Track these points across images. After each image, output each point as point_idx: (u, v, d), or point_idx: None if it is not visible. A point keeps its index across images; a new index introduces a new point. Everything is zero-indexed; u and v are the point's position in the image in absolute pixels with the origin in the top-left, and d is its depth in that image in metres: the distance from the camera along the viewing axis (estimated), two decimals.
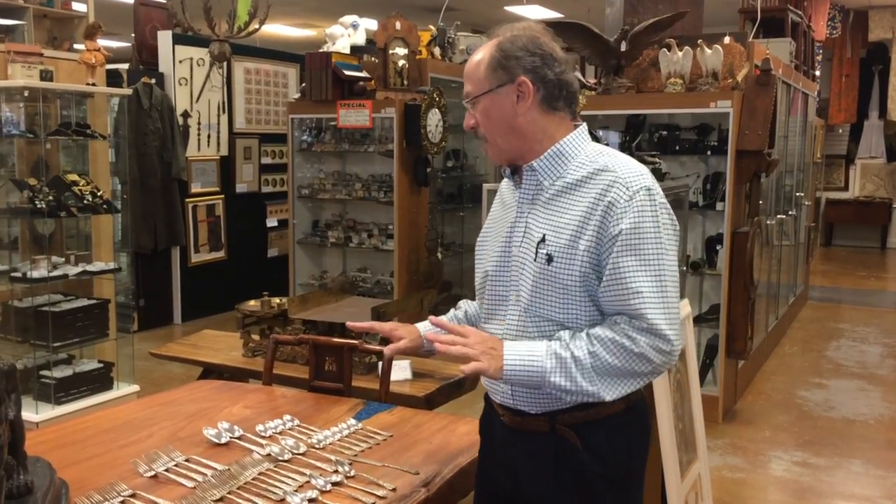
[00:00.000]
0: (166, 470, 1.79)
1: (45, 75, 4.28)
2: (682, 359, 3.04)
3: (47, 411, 4.33)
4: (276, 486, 1.70)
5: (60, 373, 4.47)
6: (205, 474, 1.76)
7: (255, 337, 3.69)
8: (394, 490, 1.71)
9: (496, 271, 1.63)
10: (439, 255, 5.71)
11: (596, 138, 3.24)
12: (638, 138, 4.70)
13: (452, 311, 1.90)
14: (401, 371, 3.13)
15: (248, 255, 7.18)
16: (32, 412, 4.30)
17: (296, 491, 1.68)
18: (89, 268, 4.60)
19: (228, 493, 1.67)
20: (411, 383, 3.26)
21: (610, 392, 1.49)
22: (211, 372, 3.81)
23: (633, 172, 1.51)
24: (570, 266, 1.50)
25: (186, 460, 1.84)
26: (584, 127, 1.61)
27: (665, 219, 1.49)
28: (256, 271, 7.08)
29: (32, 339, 4.36)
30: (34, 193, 4.26)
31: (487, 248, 1.70)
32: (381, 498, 1.67)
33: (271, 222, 7.43)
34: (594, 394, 1.49)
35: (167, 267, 6.67)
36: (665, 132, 4.87)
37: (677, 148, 4.83)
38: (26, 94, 4.19)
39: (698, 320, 4.59)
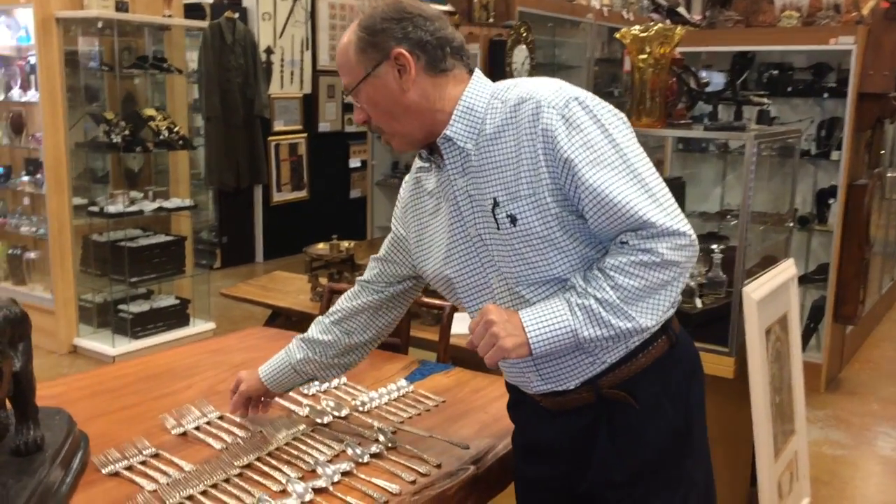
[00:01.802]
0: (196, 428, 1.65)
1: (121, 6, 4.19)
2: (782, 325, 2.72)
3: (124, 345, 4.37)
4: (308, 454, 1.53)
5: (138, 308, 4.49)
6: (236, 435, 1.62)
7: (323, 281, 3.56)
8: (438, 466, 1.52)
9: (461, 265, 1.41)
10: None
11: (697, 79, 2.90)
12: (744, 77, 4.26)
13: (284, 354, 1.71)
14: (465, 324, 2.93)
15: (331, 196, 7.10)
16: (109, 346, 4.35)
17: (329, 461, 1.51)
18: (166, 204, 4.57)
19: (257, 459, 1.51)
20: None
21: (649, 317, 1.27)
22: (279, 315, 3.73)
23: (551, 90, 1.30)
24: (539, 216, 1.29)
25: (220, 418, 1.70)
26: (478, 71, 1.39)
27: (607, 117, 1.28)
28: (338, 212, 7.00)
29: (111, 273, 4.38)
30: (110, 127, 4.22)
31: (434, 250, 1.47)
32: (422, 475, 1.49)
33: (354, 163, 7.30)
34: (633, 329, 1.27)
35: (249, 205, 6.66)
36: (776, 72, 4.40)
37: (789, 90, 4.37)
38: (100, 24, 4.12)
39: (804, 280, 4.19)
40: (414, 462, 1.53)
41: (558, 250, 1.30)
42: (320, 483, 1.42)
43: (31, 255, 4.68)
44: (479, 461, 1.57)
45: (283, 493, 1.40)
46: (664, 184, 1.28)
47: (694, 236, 1.26)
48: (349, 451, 1.53)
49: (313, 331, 1.67)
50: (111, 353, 4.30)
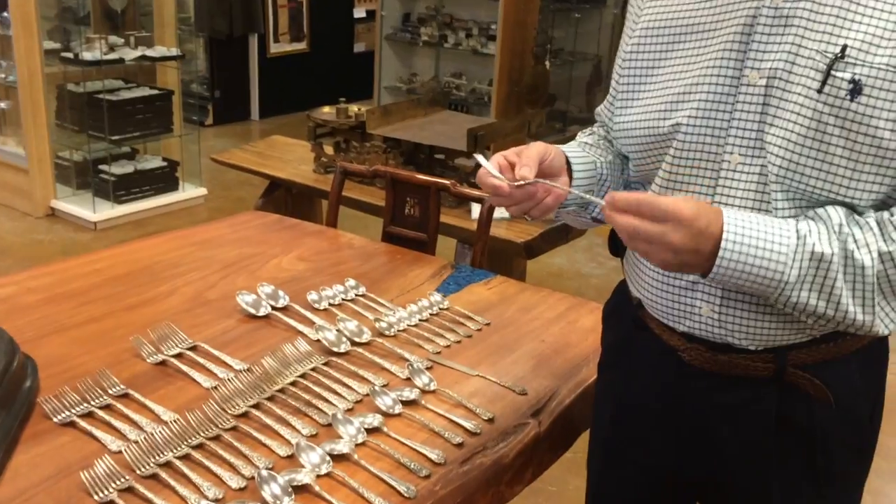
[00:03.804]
0: (178, 355, 1.29)
1: None
2: None
3: (105, 210, 3.99)
4: (323, 401, 1.18)
5: (120, 169, 4.08)
6: (230, 368, 1.26)
7: (328, 150, 3.15)
8: (490, 420, 1.18)
9: (703, 116, 0.95)
10: (547, 63, 4.93)
11: None
12: None
13: (578, 143, 1.18)
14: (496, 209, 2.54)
15: (333, 49, 6.51)
16: (90, 211, 3.97)
17: (349, 412, 1.16)
18: (149, 52, 4.06)
19: (255, 406, 1.16)
20: (508, 224, 2.69)
21: (890, 322, 0.89)
22: (279, 186, 3.33)
23: None
24: None
25: (205, 342, 1.34)
26: None
27: None
28: (341, 67, 6.44)
29: (89, 129, 3.94)
30: None
31: (660, 80, 1.00)
32: (471, 434, 1.15)
33: (359, 13, 6.66)
34: (859, 324, 0.88)
35: (244, 56, 6.09)
36: None
37: None
38: None
39: None
40: (458, 413, 1.19)
41: (883, 168, 0.85)
42: (340, 447, 1.07)
43: (2, 104, 4.21)
44: (540, 412, 1.23)
45: (291, 458, 1.06)
46: None
47: None
48: (377, 401, 1.18)
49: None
50: (92, 219, 3.92)
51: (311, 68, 6.35)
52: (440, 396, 1.23)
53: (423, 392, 1.23)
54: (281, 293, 1.49)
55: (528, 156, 1.00)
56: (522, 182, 0.98)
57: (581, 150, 1.14)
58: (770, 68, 0.90)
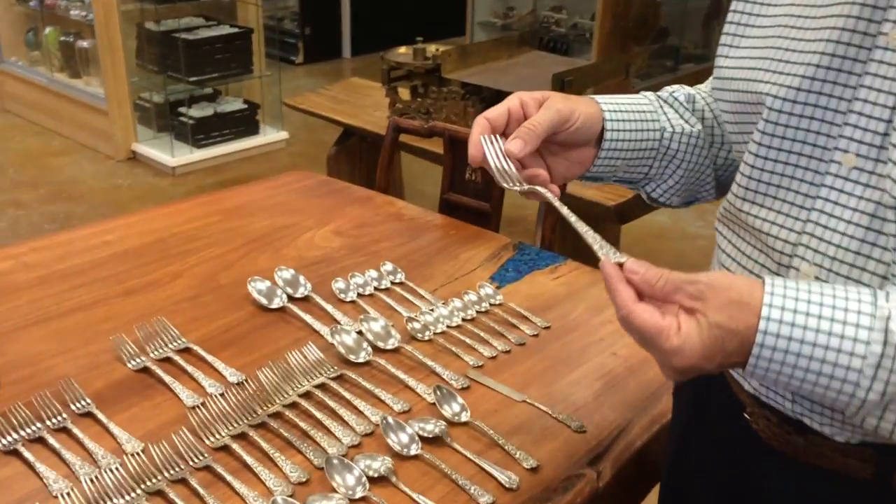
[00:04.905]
0: (165, 359, 1.08)
1: None
2: None
3: (184, 154, 3.88)
4: (322, 431, 0.94)
5: (200, 112, 3.94)
6: (223, 378, 1.04)
7: (404, 94, 2.88)
8: (534, 470, 0.91)
9: (808, 90, 0.64)
10: None
11: None
12: None
13: (658, 99, 0.88)
14: None
15: None
16: (168, 154, 3.86)
17: (355, 447, 0.92)
18: None
19: (240, 435, 0.94)
20: (598, 184, 2.36)
21: None
22: (352, 133, 3.11)
23: None
24: None
25: (201, 342, 1.12)
26: None
27: None
28: (436, 1, 6.09)
29: (168, 70, 3.80)
30: None
31: (775, 22, 0.70)
32: (505, 490, 0.88)
33: None
34: None
35: None
36: None
37: None
38: None
39: None
40: (493, 456, 0.92)
41: None
42: None
43: (85, 43, 4.13)
44: (601, 458, 0.95)
45: None
46: None
47: None
48: (388, 438, 0.93)
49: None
50: (170, 164, 3.81)
51: (404, 3, 6.03)
52: (473, 431, 0.97)
53: (452, 424, 0.97)
54: (302, 279, 1.25)
55: (535, 124, 0.76)
56: (525, 188, 0.78)
57: (651, 108, 0.85)
58: None
